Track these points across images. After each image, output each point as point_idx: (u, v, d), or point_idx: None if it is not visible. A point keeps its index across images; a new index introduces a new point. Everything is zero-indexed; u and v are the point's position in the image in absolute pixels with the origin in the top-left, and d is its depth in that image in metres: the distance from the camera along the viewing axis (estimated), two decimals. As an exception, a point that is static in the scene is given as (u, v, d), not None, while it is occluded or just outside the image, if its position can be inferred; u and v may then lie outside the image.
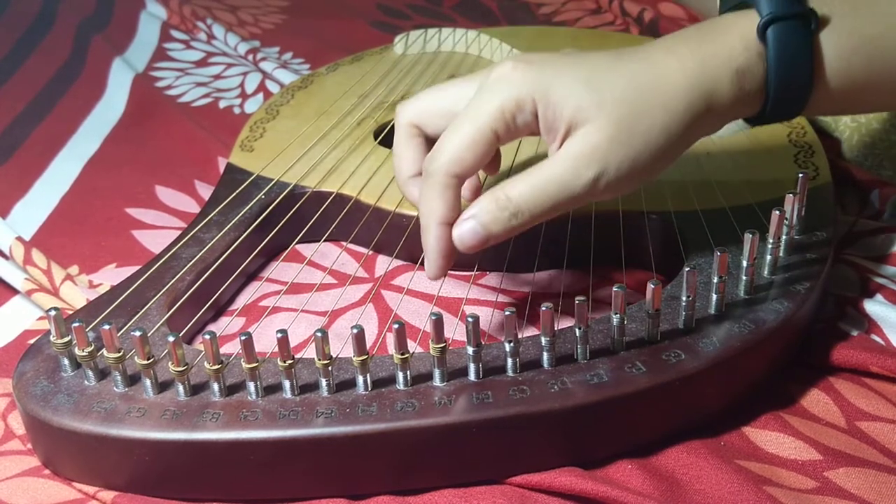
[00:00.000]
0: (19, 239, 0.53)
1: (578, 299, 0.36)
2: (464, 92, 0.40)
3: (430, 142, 0.42)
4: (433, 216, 0.38)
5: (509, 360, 0.37)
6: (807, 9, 0.38)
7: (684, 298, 0.39)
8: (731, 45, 0.38)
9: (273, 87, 0.76)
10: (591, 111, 0.36)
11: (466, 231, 0.38)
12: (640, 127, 0.37)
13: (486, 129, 0.37)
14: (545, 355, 0.37)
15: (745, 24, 0.38)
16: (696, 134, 0.39)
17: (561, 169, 0.37)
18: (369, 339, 0.45)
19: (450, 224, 0.38)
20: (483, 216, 0.37)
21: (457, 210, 0.38)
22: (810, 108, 0.40)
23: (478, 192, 0.44)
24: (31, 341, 0.41)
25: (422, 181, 0.39)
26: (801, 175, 0.44)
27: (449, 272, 0.48)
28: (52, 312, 0.37)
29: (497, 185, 0.38)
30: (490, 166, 0.45)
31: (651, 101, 0.37)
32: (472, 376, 0.37)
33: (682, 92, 0.37)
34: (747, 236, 0.40)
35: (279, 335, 0.35)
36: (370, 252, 0.51)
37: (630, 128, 0.36)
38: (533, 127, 0.38)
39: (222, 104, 0.74)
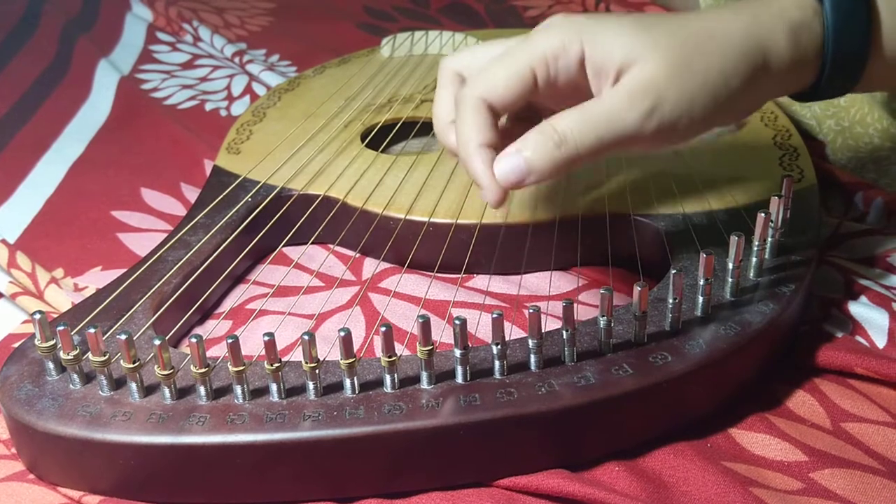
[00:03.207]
0: (3, 242, 0.53)
1: (565, 301, 0.36)
2: (509, 46, 0.39)
3: None
4: (470, 142, 0.37)
5: (497, 363, 0.37)
6: None
7: (671, 300, 0.39)
8: (783, 2, 0.38)
9: (260, 90, 0.76)
10: (645, 50, 0.36)
11: (507, 164, 0.36)
12: (696, 66, 0.36)
13: (523, 65, 0.37)
14: (532, 357, 0.37)
15: None
16: (756, 91, 0.38)
17: (613, 100, 0.36)
18: (356, 342, 0.44)
19: (490, 145, 0.37)
20: (526, 147, 0.36)
21: (493, 132, 0.37)
22: (868, 81, 0.40)
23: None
24: (16, 345, 0.41)
25: (455, 111, 0.38)
26: (786, 178, 0.45)
27: (436, 274, 0.48)
28: (37, 316, 0.37)
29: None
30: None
31: (706, 45, 0.36)
32: (459, 379, 0.37)
33: (737, 38, 0.37)
34: (733, 238, 0.40)
35: (266, 338, 0.35)
36: (357, 255, 0.51)
37: (687, 65, 0.36)
38: (573, 74, 0.37)
39: (209, 106, 0.74)
